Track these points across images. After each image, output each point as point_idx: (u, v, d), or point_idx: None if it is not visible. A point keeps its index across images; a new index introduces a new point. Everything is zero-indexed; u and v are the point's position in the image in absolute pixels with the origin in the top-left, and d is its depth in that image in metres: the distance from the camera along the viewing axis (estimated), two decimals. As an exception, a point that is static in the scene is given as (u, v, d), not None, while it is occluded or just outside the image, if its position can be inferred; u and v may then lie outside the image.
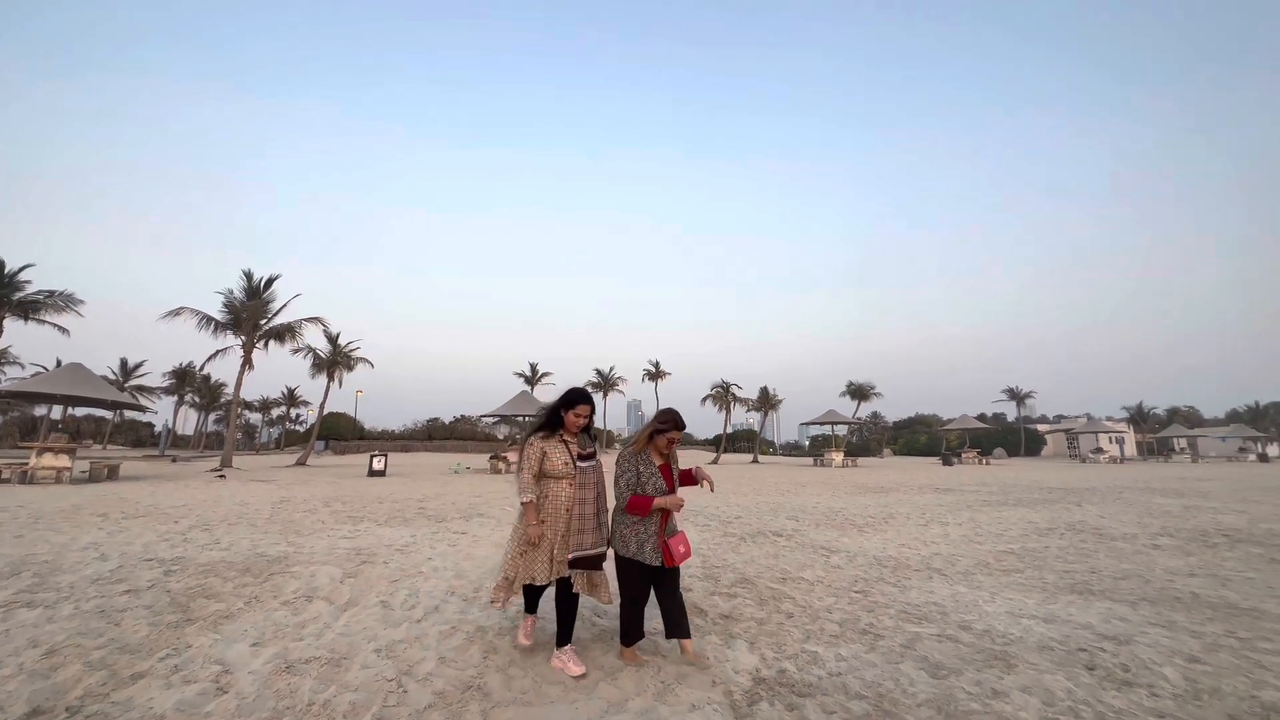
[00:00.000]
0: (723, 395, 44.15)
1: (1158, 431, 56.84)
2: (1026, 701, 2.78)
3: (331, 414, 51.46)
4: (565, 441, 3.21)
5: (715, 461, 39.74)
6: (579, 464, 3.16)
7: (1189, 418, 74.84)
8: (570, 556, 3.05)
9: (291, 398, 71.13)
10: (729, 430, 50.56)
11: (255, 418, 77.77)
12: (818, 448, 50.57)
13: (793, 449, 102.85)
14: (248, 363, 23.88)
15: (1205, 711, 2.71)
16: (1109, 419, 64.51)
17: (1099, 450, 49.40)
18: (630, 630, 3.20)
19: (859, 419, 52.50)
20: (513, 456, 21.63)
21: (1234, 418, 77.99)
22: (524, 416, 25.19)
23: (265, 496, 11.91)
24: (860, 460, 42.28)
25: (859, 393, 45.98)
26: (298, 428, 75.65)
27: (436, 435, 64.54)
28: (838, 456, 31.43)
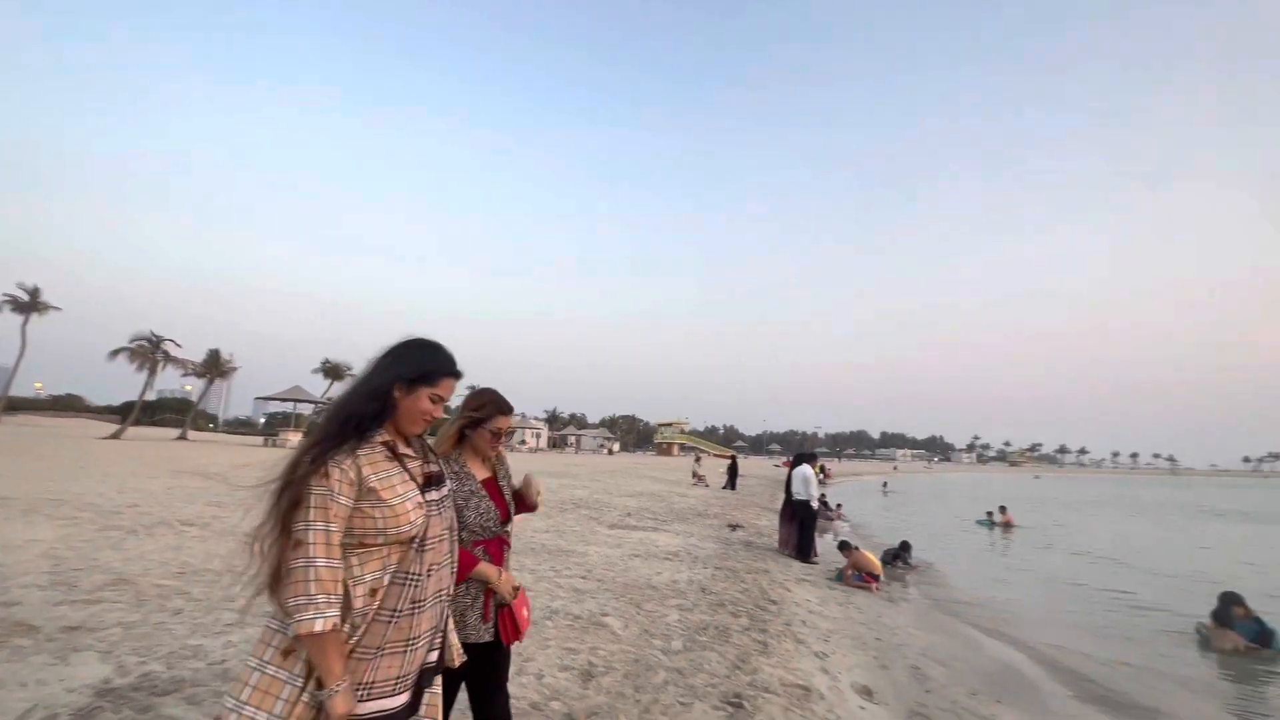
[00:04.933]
0: (149, 350, 33.80)
1: (560, 430, 76.78)
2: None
3: None
4: (399, 455, 1.43)
5: (117, 436, 29.98)
6: (427, 495, 1.45)
7: (580, 421, 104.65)
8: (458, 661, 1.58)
9: None
10: (152, 397, 38.99)
11: None
12: (274, 427, 44.94)
13: (242, 426, 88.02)
14: None
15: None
16: (535, 418, 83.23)
17: (522, 441, 62.94)
18: None
19: (328, 399, 49.35)
20: None
21: (604, 423, 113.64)
22: None
23: None
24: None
25: (334, 372, 42.41)
26: None
27: None
28: (294, 437, 29.03)
